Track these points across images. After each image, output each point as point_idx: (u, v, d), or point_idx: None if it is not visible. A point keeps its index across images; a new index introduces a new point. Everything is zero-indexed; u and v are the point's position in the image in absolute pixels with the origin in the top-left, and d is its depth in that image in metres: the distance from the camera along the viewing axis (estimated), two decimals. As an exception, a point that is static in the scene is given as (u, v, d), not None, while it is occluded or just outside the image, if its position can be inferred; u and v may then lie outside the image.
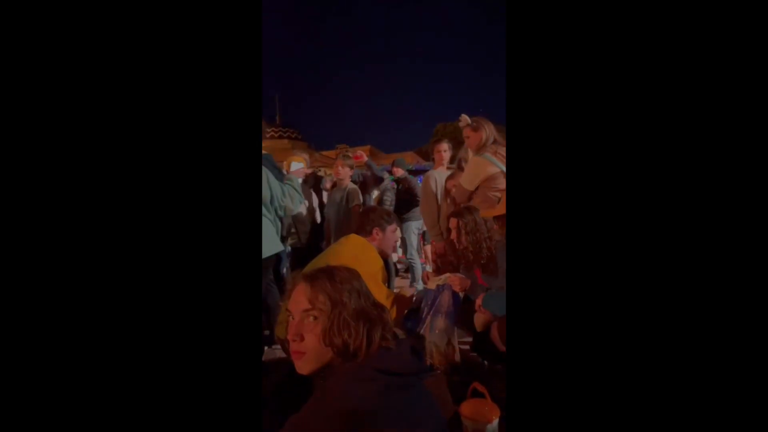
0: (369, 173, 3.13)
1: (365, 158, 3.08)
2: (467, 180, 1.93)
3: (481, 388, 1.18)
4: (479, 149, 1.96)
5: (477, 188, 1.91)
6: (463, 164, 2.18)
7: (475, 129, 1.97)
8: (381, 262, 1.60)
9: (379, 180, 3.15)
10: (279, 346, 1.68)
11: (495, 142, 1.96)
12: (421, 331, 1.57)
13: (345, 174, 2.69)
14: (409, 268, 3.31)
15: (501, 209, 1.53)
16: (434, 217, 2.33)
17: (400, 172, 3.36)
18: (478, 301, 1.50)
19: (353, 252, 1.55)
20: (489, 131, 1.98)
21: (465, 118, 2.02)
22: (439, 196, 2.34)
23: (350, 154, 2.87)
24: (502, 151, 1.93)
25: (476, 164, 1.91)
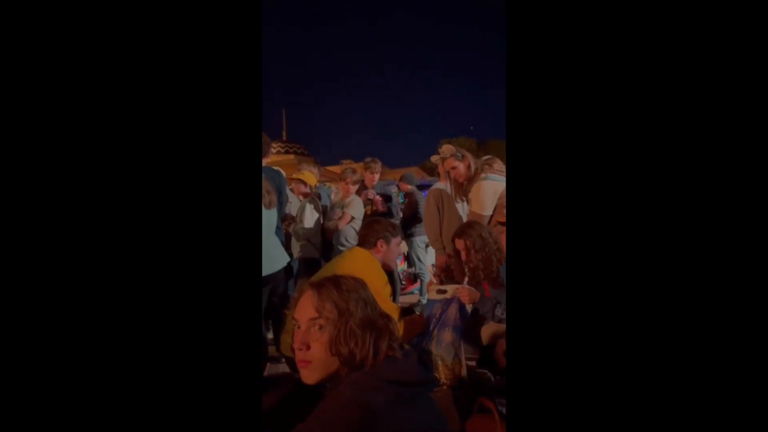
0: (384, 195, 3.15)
1: (380, 203, 2.99)
2: (481, 206, 1.92)
3: (488, 403, 1.16)
4: (471, 177, 1.97)
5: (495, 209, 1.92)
6: (449, 192, 2.17)
7: (462, 158, 2.00)
8: (385, 277, 1.60)
9: (387, 198, 3.16)
10: (284, 360, 1.67)
11: (484, 163, 1.99)
12: (428, 345, 1.55)
13: (351, 190, 2.69)
14: (420, 282, 3.29)
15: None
16: (436, 231, 2.33)
17: (406, 187, 3.37)
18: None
19: (357, 265, 1.55)
20: (471, 157, 2.00)
21: (449, 148, 2.01)
22: (442, 211, 2.34)
23: (371, 197, 2.83)
24: (497, 166, 1.96)
25: (485, 188, 1.92)
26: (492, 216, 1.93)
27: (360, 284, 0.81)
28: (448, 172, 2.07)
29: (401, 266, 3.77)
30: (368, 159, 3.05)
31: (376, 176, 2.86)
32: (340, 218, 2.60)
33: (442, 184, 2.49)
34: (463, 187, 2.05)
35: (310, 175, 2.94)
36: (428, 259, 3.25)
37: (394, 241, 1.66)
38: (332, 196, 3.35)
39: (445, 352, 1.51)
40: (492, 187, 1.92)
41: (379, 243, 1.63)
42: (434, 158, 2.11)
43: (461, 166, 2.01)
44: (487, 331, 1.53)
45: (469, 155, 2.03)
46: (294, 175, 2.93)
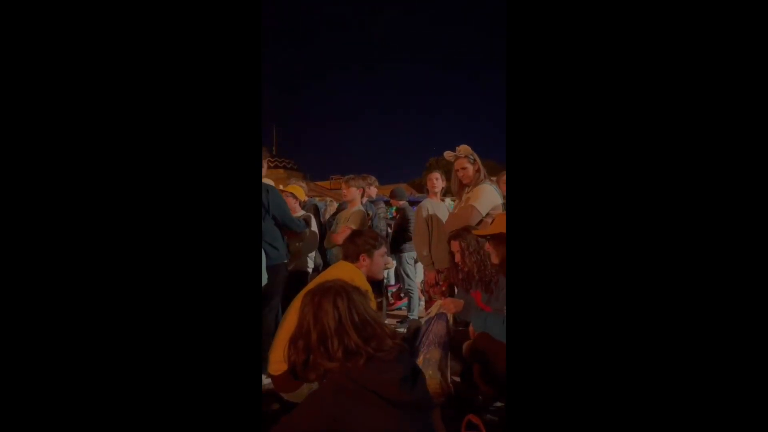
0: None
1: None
2: (482, 205, 2.00)
3: (475, 420, 1.16)
4: (477, 181, 2.06)
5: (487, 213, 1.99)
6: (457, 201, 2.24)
7: (473, 162, 2.09)
8: (368, 287, 1.60)
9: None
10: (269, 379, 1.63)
11: (490, 177, 2.07)
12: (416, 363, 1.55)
13: (353, 195, 2.63)
14: (408, 298, 3.27)
15: (492, 228, 1.57)
16: (425, 247, 2.35)
17: (398, 202, 3.37)
18: (471, 329, 1.51)
19: (342, 277, 1.55)
20: (481, 164, 2.09)
21: (466, 148, 2.10)
22: (431, 226, 2.37)
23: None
24: (494, 180, 2.04)
25: (489, 192, 2.02)
26: (480, 221, 1.98)
27: (349, 290, 0.87)
28: (456, 171, 2.14)
29: (391, 288, 3.75)
30: (350, 176, 2.96)
31: (353, 191, 2.76)
32: (336, 232, 2.58)
33: (431, 200, 2.53)
34: (465, 190, 2.11)
35: (300, 189, 2.94)
36: (417, 275, 3.25)
37: (377, 252, 1.66)
38: (325, 210, 3.33)
39: (434, 369, 1.51)
40: (492, 194, 2.01)
41: (361, 257, 1.63)
42: (448, 155, 2.18)
43: (471, 169, 2.09)
44: (465, 347, 1.55)
45: (479, 162, 2.11)
46: (285, 188, 2.92)
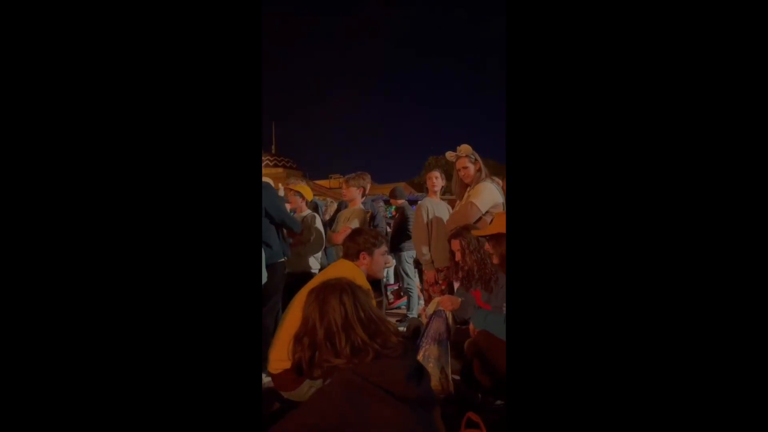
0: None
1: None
2: (483, 203, 2.01)
3: (475, 418, 1.16)
4: (477, 180, 2.07)
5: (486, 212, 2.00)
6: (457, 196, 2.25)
7: (474, 161, 2.11)
8: (368, 286, 1.60)
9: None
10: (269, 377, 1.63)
11: (492, 176, 2.08)
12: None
13: (352, 194, 2.61)
14: (407, 297, 3.27)
15: (491, 228, 1.58)
16: (425, 246, 2.35)
17: (397, 201, 3.37)
18: (471, 326, 1.51)
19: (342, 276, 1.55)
20: (482, 163, 2.09)
21: (467, 148, 2.11)
22: (430, 225, 2.37)
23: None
24: (500, 182, 2.04)
25: (490, 190, 2.03)
26: (478, 219, 1.98)
27: (348, 287, 0.89)
28: (458, 171, 2.15)
29: (391, 287, 3.75)
30: (350, 175, 2.90)
31: (353, 191, 2.73)
32: (337, 232, 2.57)
33: (431, 200, 2.53)
34: (466, 189, 2.12)
35: (307, 188, 2.93)
36: (411, 272, 3.25)
37: (378, 251, 1.65)
38: (325, 210, 3.32)
39: (433, 367, 1.51)
40: (493, 192, 2.02)
41: (361, 255, 1.63)
42: (449, 155, 2.19)
43: (472, 168, 2.10)
44: (466, 345, 1.55)
45: (481, 161, 2.13)
46: (293, 187, 2.89)
